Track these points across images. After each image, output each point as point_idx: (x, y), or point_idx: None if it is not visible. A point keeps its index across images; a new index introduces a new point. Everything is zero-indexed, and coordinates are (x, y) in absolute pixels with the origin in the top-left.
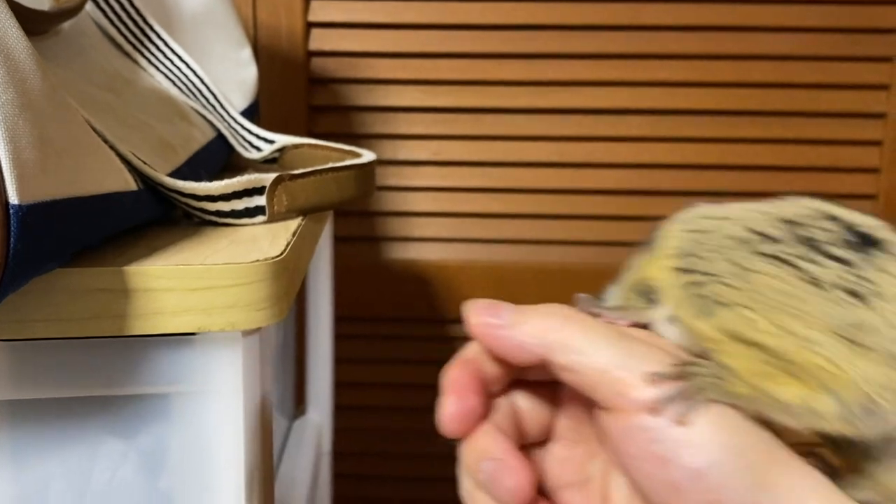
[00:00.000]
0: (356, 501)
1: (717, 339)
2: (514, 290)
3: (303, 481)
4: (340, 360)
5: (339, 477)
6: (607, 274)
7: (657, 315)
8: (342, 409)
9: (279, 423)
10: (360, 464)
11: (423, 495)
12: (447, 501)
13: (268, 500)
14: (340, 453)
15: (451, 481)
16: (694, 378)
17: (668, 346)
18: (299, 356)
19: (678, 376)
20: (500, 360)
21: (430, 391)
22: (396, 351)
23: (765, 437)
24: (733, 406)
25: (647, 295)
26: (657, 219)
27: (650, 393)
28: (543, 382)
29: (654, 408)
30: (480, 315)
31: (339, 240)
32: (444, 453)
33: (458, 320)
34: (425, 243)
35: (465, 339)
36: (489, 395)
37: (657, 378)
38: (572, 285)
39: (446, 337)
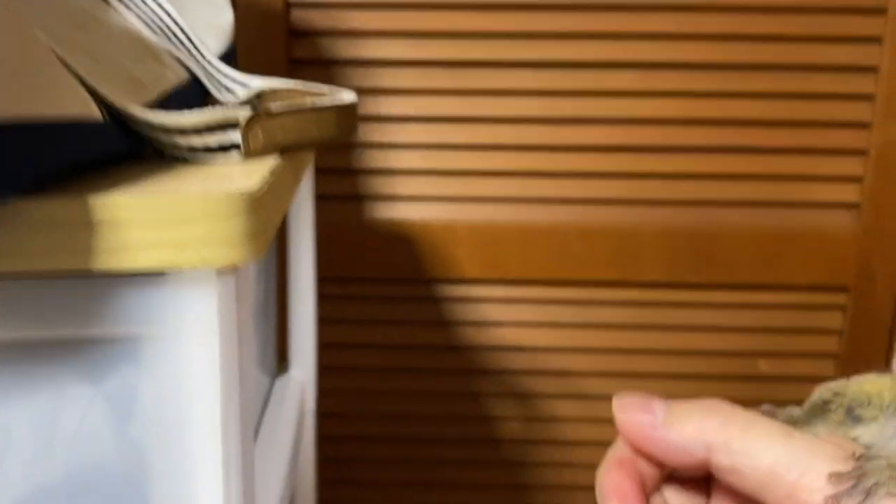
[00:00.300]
0: (341, 462)
1: None
2: (500, 250)
3: (285, 438)
4: (323, 321)
5: (323, 438)
6: (596, 233)
7: (855, 432)
8: (326, 370)
9: (261, 381)
10: (345, 425)
11: (409, 455)
12: (432, 461)
13: (246, 451)
14: (325, 414)
15: (435, 441)
16: (872, 474)
17: (837, 440)
18: (281, 316)
19: (857, 475)
20: (653, 459)
21: (414, 352)
22: (380, 311)
23: None
24: None
25: (852, 411)
26: (647, 176)
27: (827, 494)
28: (693, 477)
29: None
30: (631, 412)
31: (321, 198)
32: (429, 414)
33: (443, 280)
34: (409, 202)
35: (450, 299)
36: (647, 497)
37: (835, 478)
38: (560, 245)
39: (430, 297)
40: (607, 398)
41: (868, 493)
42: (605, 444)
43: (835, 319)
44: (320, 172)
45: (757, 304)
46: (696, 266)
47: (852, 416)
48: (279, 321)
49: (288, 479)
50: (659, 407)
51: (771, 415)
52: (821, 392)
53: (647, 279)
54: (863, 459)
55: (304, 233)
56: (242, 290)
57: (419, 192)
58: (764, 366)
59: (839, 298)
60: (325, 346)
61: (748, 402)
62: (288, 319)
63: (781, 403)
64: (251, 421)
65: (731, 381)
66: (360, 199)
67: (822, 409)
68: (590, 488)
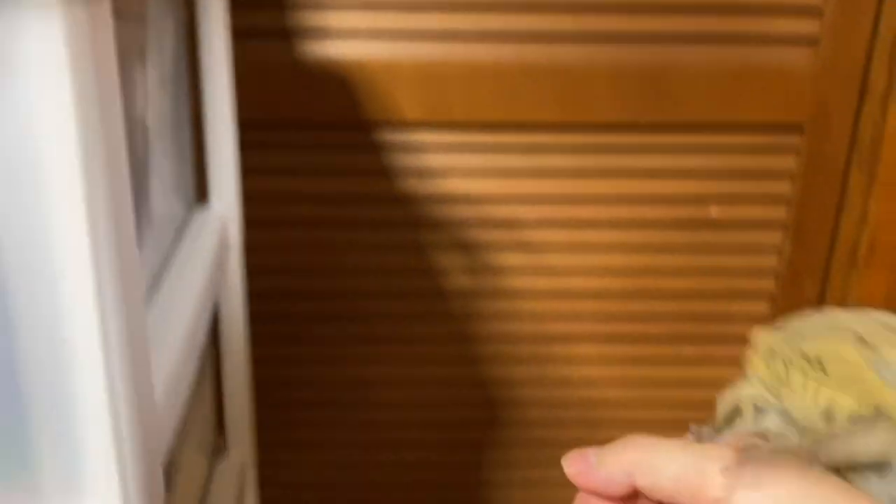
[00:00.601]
0: (272, 318)
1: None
2: (442, 91)
3: (203, 267)
4: (250, 171)
5: (253, 295)
6: (543, 71)
7: (765, 423)
8: (254, 223)
9: (173, 209)
10: (276, 280)
11: (346, 310)
12: (372, 315)
13: (122, 228)
14: (254, 269)
15: (374, 295)
16: (754, 455)
17: (729, 442)
18: (199, 155)
19: (743, 461)
20: (599, 496)
21: (351, 203)
22: (312, 160)
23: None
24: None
25: (735, 416)
26: (597, 7)
27: (721, 482)
28: None
29: (728, 495)
30: (572, 465)
31: (242, 34)
32: (368, 267)
33: (381, 124)
34: (342, 38)
35: (390, 145)
36: None
37: (726, 470)
38: (506, 84)
39: (368, 144)
40: (555, 248)
41: (756, 475)
42: (551, 294)
43: (789, 162)
44: (239, 5)
45: (710, 147)
46: (648, 105)
47: (757, 408)
48: (197, 159)
49: (204, 312)
50: (591, 452)
51: (698, 433)
52: (726, 400)
53: (596, 120)
54: (745, 449)
55: (218, 69)
56: (100, 19)
57: (353, 27)
58: (715, 211)
59: (794, 140)
60: (252, 198)
61: (700, 247)
62: (206, 156)
63: (729, 248)
64: (124, 188)
65: (682, 228)
66: (286, 34)
67: (736, 413)
68: (536, 339)
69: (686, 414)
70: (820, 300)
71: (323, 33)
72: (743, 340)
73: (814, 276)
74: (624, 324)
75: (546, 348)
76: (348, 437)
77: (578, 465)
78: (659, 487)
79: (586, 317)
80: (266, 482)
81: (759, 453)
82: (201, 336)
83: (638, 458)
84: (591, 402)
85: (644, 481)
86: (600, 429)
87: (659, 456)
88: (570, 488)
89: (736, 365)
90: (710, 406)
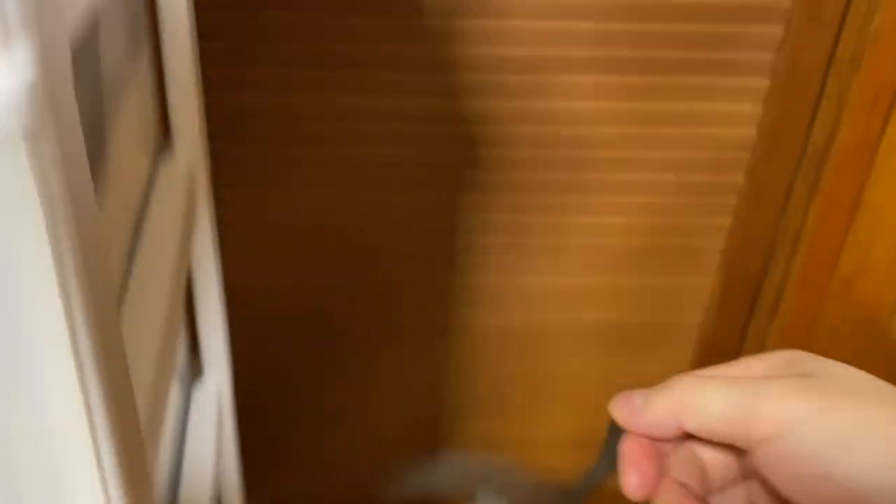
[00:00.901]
0: (221, 30)
1: None
2: None
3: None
4: None
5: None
6: None
7: None
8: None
9: None
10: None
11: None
12: (343, 59)
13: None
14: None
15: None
16: (803, 381)
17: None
18: None
19: (788, 392)
20: (646, 437)
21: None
22: None
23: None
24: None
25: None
26: None
27: (770, 418)
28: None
29: (778, 430)
30: (619, 409)
31: None
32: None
33: None
34: None
35: None
36: (663, 457)
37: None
38: None
39: None
40: None
41: (804, 408)
42: (543, 9)
43: None
44: None
45: None
46: None
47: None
48: None
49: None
50: (638, 395)
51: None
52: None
53: None
54: (799, 379)
55: None
56: None
57: None
58: None
59: None
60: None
61: None
62: None
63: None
64: None
65: None
66: None
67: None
68: (525, 64)
69: (684, 154)
70: (841, 22)
71: None
72: (752, 69)
73: None
74: (623, 48)
75: (536, 76)
76: (316, 174)
77: (624, 410)
78: (707, 429)
79: (582, 38)
80: (225, 223)
81: (810, 384)
82: None
83: (683, 400)
84: (581, 139)
85: (691, 424)
86: (589, 171)
87: (704, 396)
88: (549, 235)
89: (742, 99)
90: (709, 145)
